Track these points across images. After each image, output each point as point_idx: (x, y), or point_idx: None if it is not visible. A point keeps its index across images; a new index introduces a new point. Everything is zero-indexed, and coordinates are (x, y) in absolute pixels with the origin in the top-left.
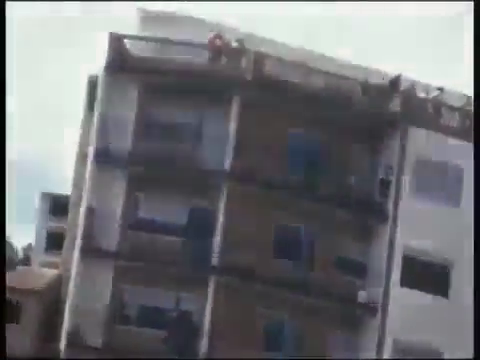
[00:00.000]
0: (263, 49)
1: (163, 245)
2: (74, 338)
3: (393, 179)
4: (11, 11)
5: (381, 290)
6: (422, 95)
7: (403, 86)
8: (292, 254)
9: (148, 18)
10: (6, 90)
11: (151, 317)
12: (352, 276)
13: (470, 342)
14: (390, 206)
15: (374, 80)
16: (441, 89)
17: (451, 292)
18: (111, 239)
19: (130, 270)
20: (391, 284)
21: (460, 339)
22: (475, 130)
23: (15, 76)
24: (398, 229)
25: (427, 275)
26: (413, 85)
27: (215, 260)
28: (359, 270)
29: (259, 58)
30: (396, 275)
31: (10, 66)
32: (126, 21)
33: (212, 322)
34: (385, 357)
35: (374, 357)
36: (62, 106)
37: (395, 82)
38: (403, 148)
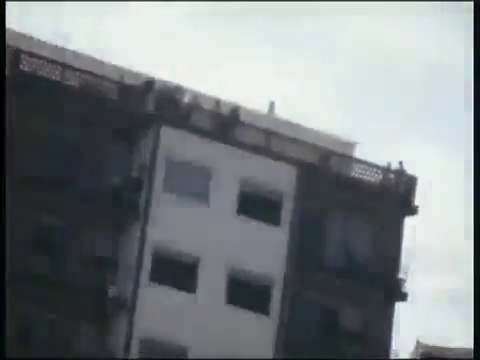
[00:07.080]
0: (22, 46)
1: None
2: None
3: (146, 178)
4: None
5: (131, 286)
6: (175, 97)
7: (157, 87)
8: (50, 251)
9: None
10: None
11: None
12: (105, 271)
13: (216, 338)
14: (142, 204)
15: (130, 81)
16: (191, 91)
17: (198, 288)
18: None
19: None
20: (141, 280)
21: (206, 335)
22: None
23: None
24: (149, 227)
25: (175, 271)
26: (166, 86)
27: None
28: (112, 266)
29: (17, 54)
30: (146, 271)
31: None
32: None
33: None
34: (133, 353)
35: (122, 352)
36: None
37: (149, 83)
38: (155, 148)
